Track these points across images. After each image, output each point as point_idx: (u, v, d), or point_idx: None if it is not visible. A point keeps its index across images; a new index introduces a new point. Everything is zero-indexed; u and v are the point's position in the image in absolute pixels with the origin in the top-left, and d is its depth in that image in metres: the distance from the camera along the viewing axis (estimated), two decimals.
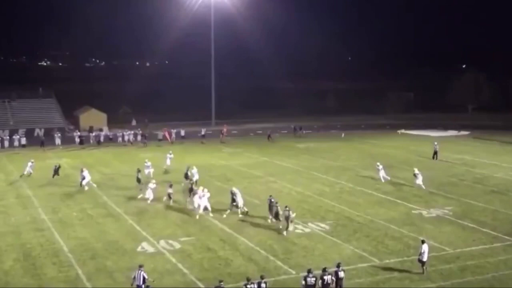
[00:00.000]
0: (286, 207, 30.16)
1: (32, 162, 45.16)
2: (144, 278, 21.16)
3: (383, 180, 42.63)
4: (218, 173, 46.29)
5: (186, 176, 41.02)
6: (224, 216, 32.59)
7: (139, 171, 41.32)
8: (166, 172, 46.39)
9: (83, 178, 40.59)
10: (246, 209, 33.26)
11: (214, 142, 64.15)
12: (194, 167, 41.53)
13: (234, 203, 33.13)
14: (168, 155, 48.18)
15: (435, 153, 53.15)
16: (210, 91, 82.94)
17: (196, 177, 40.44)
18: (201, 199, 32.93)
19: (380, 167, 43.49)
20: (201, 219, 32.33)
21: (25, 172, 44.58)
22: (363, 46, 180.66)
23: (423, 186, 39.80)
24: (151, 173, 43.20)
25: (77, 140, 64.20)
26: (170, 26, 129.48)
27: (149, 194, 35.97)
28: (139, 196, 36.71)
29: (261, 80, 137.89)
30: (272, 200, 31.60)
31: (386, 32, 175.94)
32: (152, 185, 36.88)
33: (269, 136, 66.10)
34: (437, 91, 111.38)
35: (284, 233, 29.51)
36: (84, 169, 41.40)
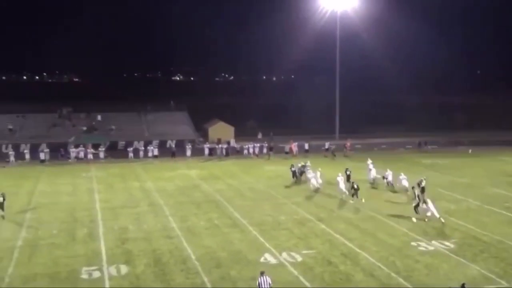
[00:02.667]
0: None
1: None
2: (269, 282, 21.41)
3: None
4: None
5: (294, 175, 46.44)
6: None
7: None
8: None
9: None
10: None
11: (337, 156, 63.68)
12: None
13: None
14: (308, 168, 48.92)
15: None
16: (335, 105, 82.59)
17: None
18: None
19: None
20: (323, 232, 32.23)
21: None
22: (493, 60, 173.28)
23: None
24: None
25: (206, 151, 66.11)
26: (296, 41, 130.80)
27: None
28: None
29: (386, 94, 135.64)
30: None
31: None
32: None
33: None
34: None
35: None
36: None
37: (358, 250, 28.86)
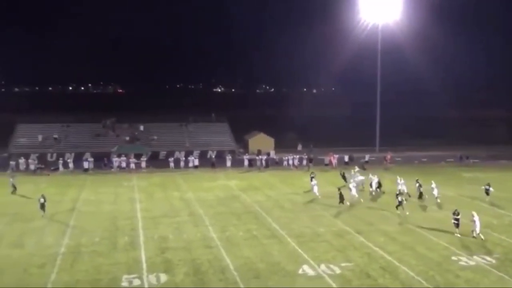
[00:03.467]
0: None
1: None
2: None
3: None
4: (381, 199, 45.56)
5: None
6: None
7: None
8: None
9: None
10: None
11: (377, 169, 63.01)
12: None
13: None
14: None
15: None
16: (375, 118, 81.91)
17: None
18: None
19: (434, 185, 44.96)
20: (362, 245, 31.95)
21: None
22: None
23: None
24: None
25: (246, 162, 66.26)
26: (337, 54, 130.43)
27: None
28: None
29: (427, 107, 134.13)
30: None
31: None
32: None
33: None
34: None
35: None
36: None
37: (397, 264, 28.49)
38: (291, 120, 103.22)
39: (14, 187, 47.76)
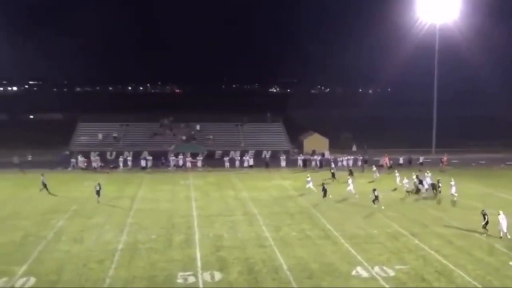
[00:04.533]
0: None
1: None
2: None
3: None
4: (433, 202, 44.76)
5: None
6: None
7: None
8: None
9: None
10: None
11: (432, 171, 61.72)
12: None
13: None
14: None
15: None
16: (432, 118, 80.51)
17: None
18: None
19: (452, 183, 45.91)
20: (417, 248, 31.43)
21: None
22: None
23: None
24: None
25: (300, 163, 66.08)
26: (394, 54, 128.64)
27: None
28: None
29: (485, 109, 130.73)
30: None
31: None
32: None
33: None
34: None
35: None
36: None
37: (453, 267, 27.90)
38: (346, 121, 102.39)
39: (44, 185, 48.30)
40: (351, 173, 54.78)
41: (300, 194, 47.71)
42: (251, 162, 65.46)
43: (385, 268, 27.83)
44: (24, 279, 26.10)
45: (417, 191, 47.60)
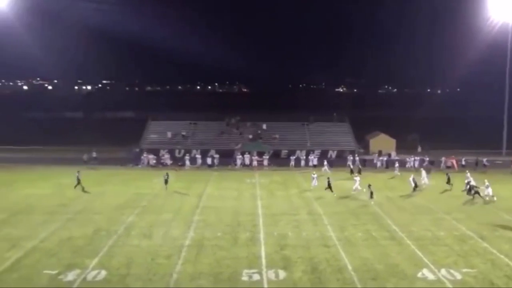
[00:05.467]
0: None
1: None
2: None
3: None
4: (506, 205, 43.30)
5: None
6: None
7: None
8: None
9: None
10: None
11: (500, 173, 59.86)
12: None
13: None
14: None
15: None
16: (502, 119, 78.13)
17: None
18: None
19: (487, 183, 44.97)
20: (485, 251, 30.55)
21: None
22: None
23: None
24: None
25: (379, 164, 65.22)
26: (464, 53, 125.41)
27: None
28: None
29: None
30: None
31: None
32: None
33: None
34: None
35: None
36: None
37: None
38: (413, 121, 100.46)
39: (79, 181, 49.09)
40: (359, 171, 56.59)
41: (366, 194, 47.15)
42: (315, 161, 65.06)
43: (452, 271, 27.18)
44: (95, 271, 26.86)
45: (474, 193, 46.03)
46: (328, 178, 48.98)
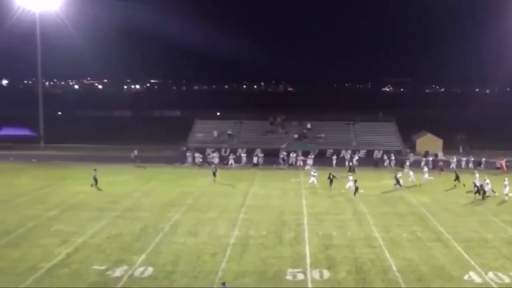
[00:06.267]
0: None
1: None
2: None
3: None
4: None
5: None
6: None
7: None
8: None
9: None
10: None
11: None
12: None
13: None
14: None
15: None
16: None
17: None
18: None
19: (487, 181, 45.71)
20: None
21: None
22: None
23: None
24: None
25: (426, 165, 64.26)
26: None
27: None
28: None
29: None
30: None
31: None
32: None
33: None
34: None
35: None
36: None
37: None
38: (461, 121, 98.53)
39: (96, 180, 49.40)
40: (352, 170, 57.52)
41: (411, 194, 46.57)
42: (355, 162, 64.27)
43: (500, 274, 26.62)
44: (142, 268, 27.26)
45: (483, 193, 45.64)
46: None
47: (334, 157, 66.47)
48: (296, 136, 76.78)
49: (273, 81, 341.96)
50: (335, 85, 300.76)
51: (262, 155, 66.68)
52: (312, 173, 51.85)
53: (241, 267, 27.52)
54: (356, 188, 46.15)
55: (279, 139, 76.01)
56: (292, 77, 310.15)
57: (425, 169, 55.19)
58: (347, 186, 48.12)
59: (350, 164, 61.92)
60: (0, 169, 59.92)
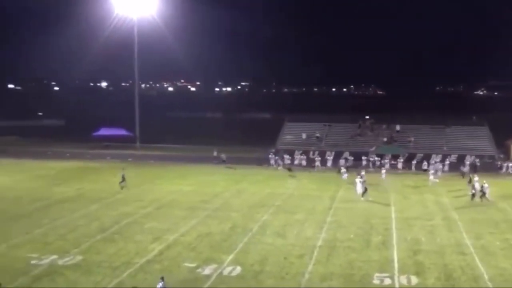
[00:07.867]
0: None
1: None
2: None
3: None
4: None
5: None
6: None
7: None
8: None
9: None
10: None
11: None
12: None
13: None
14: None
15: None
16: None
17: None
18: None
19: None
20: None
21: None
22: None
23: None
24: None
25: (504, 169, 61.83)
26: None
27: None
28: None
29: None
30: None
31: None
32: None
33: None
34: None
35: None
36: None
37: None
38: None
39: (123, 179, 49.61)
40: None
41: (505, 201, 44.69)
42: (446, 167, 62.38)
43: None
44: (231, 267, 27.65)
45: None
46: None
47: (425, 162, 64.70)
48: (385, 139, 75.48)
49: (363, 84, 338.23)
50: (426, 88, 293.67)
51: (351, 158, 66.18)
52: (342, 170, 52.59)
53: (328, 270, 27.39)
54: (365, 189, 45.60)
55: (368, 142, 74.96)
56: (382, 80, 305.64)
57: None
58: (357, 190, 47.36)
59: (464, 169, 60.21)
60: (98, 168, 62.52)
